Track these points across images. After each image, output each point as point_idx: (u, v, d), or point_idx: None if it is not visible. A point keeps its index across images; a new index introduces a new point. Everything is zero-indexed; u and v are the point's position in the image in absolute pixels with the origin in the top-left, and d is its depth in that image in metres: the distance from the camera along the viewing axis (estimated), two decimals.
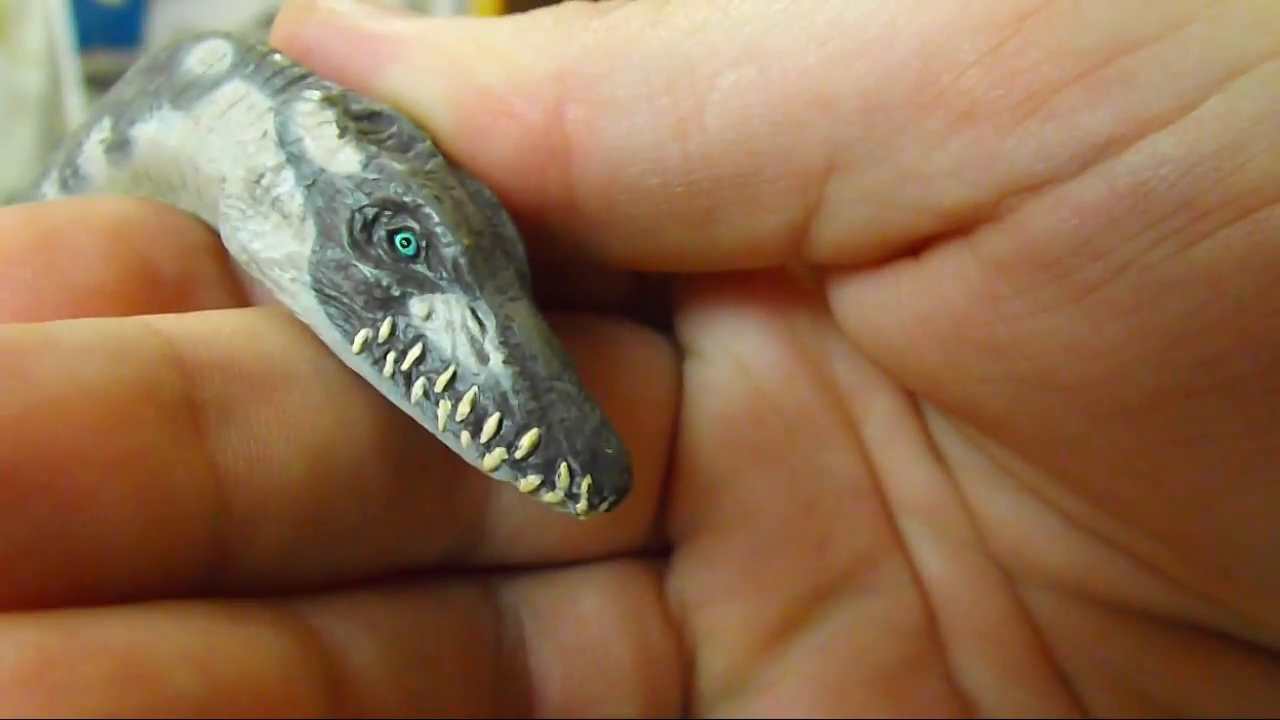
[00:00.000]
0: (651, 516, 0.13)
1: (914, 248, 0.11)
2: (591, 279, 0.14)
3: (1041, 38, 0.10)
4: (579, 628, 0.13)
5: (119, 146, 0.13)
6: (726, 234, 0.12)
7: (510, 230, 0.11)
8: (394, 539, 0.12)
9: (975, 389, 0.12)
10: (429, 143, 0.12)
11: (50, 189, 0.14)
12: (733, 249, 0.12)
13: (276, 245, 0.11)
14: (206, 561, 0.10)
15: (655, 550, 0.14)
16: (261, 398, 0.10)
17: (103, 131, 0.13)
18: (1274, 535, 0.11)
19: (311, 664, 0.10)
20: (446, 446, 0.11)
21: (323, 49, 0.12)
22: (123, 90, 0.13)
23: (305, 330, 0.11)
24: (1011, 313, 0.11)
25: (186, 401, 0.10)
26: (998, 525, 0.13)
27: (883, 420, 0.14)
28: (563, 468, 0.10)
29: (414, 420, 0.11)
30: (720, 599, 0.13)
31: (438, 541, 0.12)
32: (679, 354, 0.14)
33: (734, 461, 0.13)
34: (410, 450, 0.11)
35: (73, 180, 0.14)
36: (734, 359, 0.14)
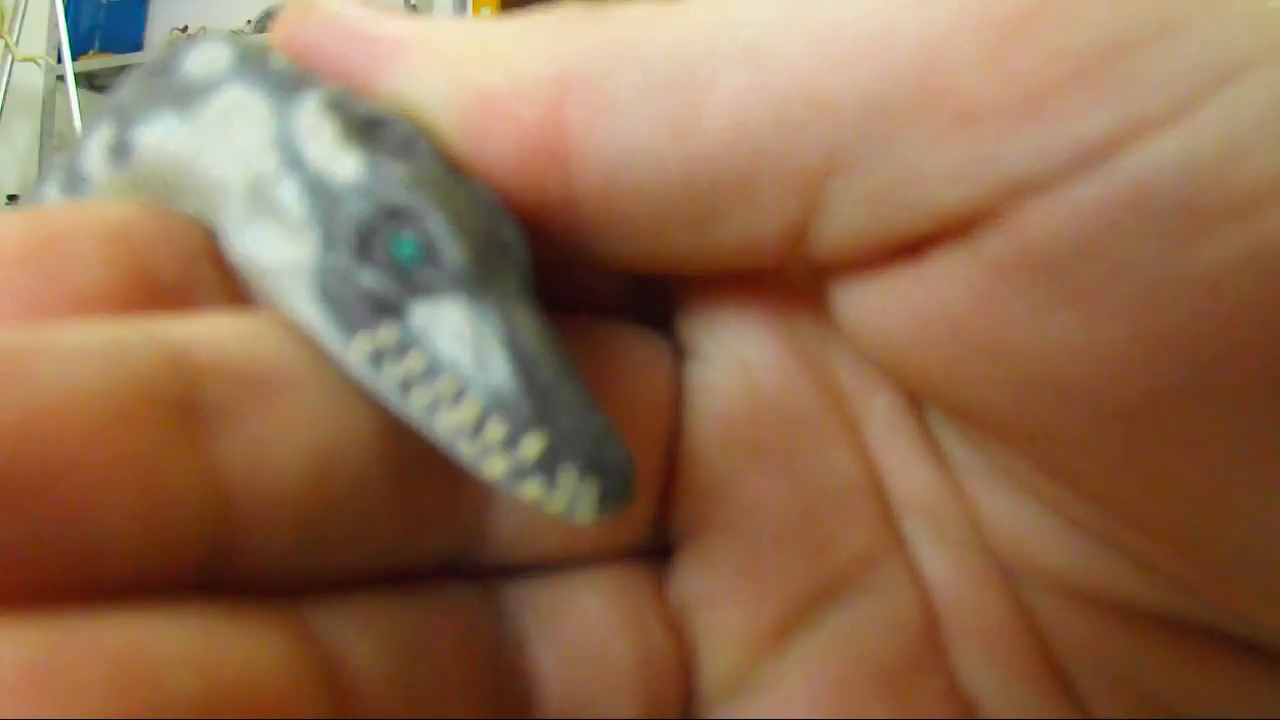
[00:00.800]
0: (651, 518, 0.13)
1: (914, 249, 0.11)
2: (591, 279, 0.14)
3: (1041, 38, 0.10)
4: (579, 628, 0.12)
5: (120, 151, 0.13)
6: (726, 235, 0.11)
7: (512, 233, 0.11)
8: (395, 541, 0.12)
9: (975, 390, 0.12)
10: (430, 145, 0.11)
11: (53, 191, 0.14)
12: (733, 250, 0.12)
13: (277, 252, 0.11)
14: (205, 563, 0.10)
15: (656, 551, 0.14)
16: (262, 401, 0.10)
17: (104, 135, 0.13)
18: (1275, 537, 0.11)
19: (310, 663, 0.10)
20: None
21: (322, 50, 0.12)
22: (124, 94, 0.13)
23: (306, 334, 0.11)
24: (1011, 314, 0.11)
25: (186, 405, 0.10)
26: (999, 525, 0.13)
27: (884, 420, 0.14)
28: (565, 475, 0.10)
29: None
30: (721, 600, 0.13)
31: (439, 544, 0.12)
32: (679, 355, 0.14)
33: (735, 462, 0.13)
34: (412, 454, 0.11)
35: (75, 183, 0.14)
36: (735, 360, 0.14)
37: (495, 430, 0.10)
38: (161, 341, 0.10)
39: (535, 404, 0.10)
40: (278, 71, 0.12)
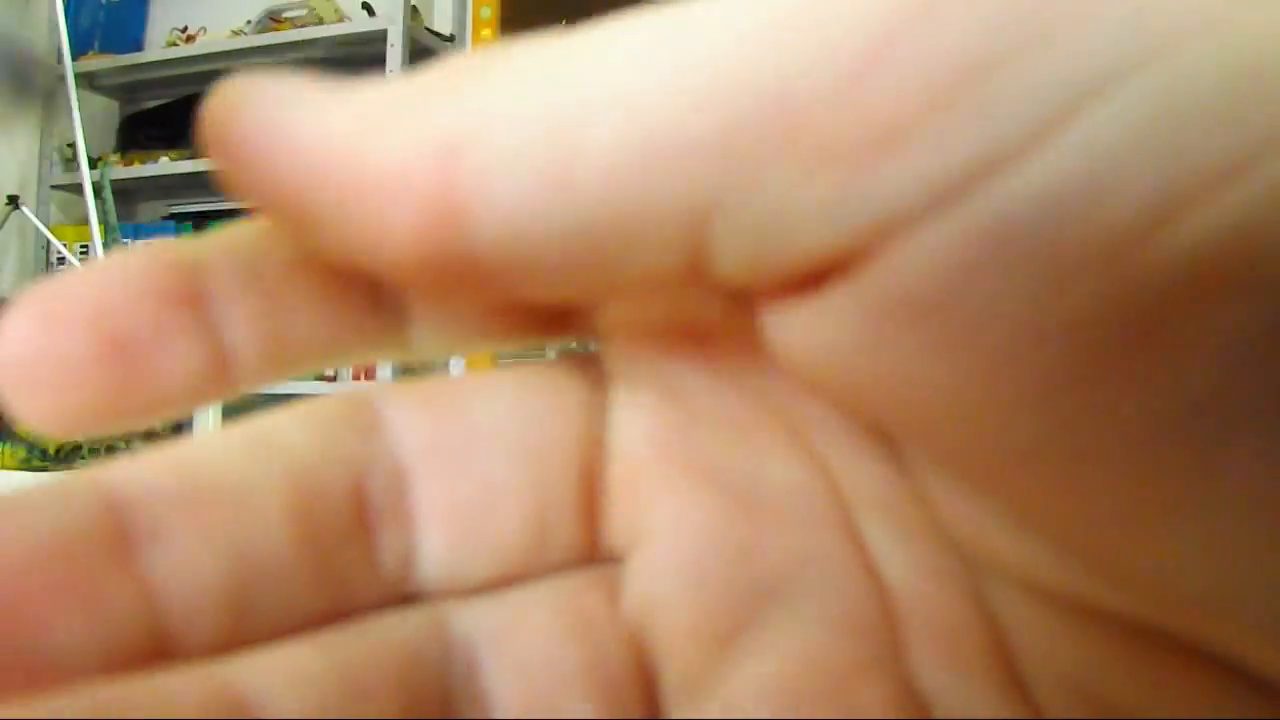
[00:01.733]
0: (585, 537, 0.13)
1: (806, 284, 0.11)
2: (506, 313, 0.14)
3: (896, 66, 0.09)
4: (529, 643, 0.13)
5: None
6: (626, 275, 0.11)
7: None
8: (324, 605, 0.12)
9: (888, 420, 0.12)
10: None
11: None
12: (637, 285, 0.12)
13: None
14: (148, 658, 0.11)
15: (607, 561, 0.14)
16: (182, 517, 0.12)
17: None
18: (1196, 572, 0.11)
19: (219, 707, 0.11)
20: (362, 513, 0.12)
21: (245, 162, 0.12)
22: None
23: (226, 447, 0.13)
24: (897, 358, 0.10)
25: (118, 534, 0.12)
26: (959, 521, 0.13)
27: (830, 422, 0.14)
28: None
29: (327, 499, 0.12)
30: (670, 602, 0.13)
31: (368, 593, 0.13)
32: (602, 381, 0.14)
33: (668, 472, 0.13)
34: (325, 527, 0.12)
35: None
36: (660, 379, 0.14)
37: None
38: (98, 485, 0.12)
39: None
40: None
